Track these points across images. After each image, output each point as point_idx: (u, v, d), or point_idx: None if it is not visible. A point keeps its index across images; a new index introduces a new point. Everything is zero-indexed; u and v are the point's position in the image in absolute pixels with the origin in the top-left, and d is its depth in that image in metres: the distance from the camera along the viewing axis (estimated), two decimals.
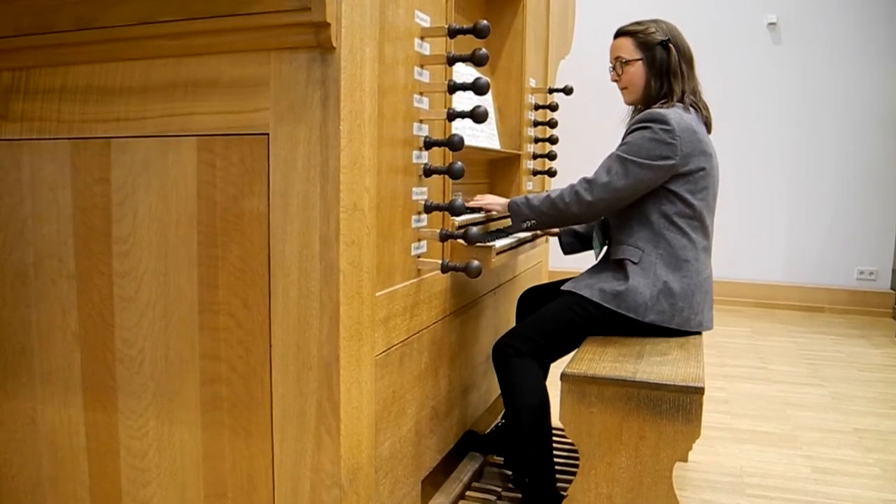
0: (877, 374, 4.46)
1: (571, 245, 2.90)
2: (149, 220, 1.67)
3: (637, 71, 2.49)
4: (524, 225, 2.46)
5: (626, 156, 2.30)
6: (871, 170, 6.25)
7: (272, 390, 1.59)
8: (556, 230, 2.88)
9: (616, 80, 2.57)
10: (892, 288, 6.13)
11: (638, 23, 2.52)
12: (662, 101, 2.43)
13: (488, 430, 3.00)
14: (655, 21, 2.50)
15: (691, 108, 2.42)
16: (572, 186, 2.37)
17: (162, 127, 1.64)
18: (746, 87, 6.47)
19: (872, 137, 6.23)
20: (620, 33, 2.54)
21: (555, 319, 2.41)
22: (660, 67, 2.46)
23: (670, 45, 2.44)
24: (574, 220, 2.47)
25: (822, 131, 6.35)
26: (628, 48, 2.50)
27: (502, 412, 3.05)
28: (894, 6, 6.07)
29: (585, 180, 2.36)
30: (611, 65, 2.56)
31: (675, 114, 2.32)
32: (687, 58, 2.49)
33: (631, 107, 2.62)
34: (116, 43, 1.64)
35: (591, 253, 2.75)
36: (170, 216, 1.65)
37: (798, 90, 6.38)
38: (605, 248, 2.68)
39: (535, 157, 3.35)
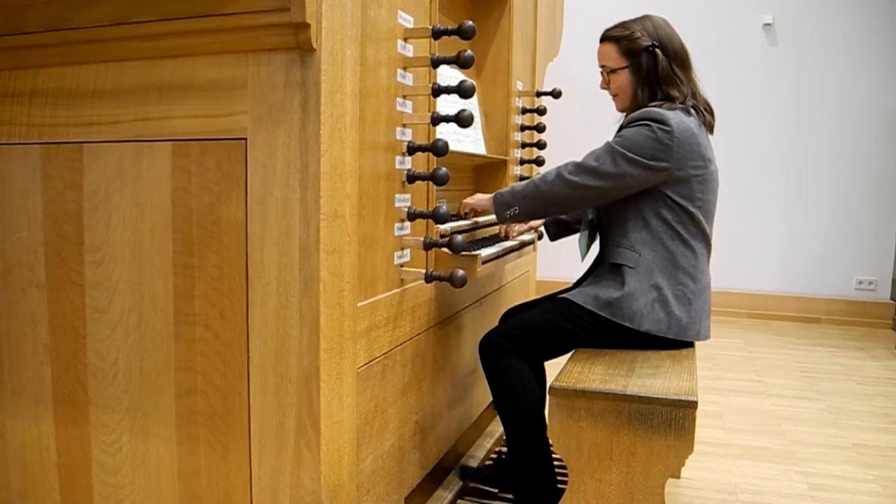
0: (876, 388, 4.50)
1: (558, 232, 2.93)
2: (122, 227, 1.68)
3: (624, 79, 2.49)
4: (507, 214, 2.46)
5: (618, 147, 2.30)
6: (869, 175, 6.30)
7: (250, 403, 1.60)
8: (541, 220, 2.90)
9: (606, 88, 2.58)
10: (891, 298, 6.19)
11: (623, 26, 2.49)
12: (663, 102, 2.40)
13: (486, 462, 3.00)
14: (642, 21, 2.47)
15: (692, 111, 2.41)
16: (557, 168, 2.39)
17: (136, 131, 1.66)
18: (741, 89, 6.51)
19: (872, 141, 6.28)
20: (605, 38, 2.53)
21: (545, 324, 2.42)
22: (647, 75, 2.45)
23: (656, 51, 2.42)
24: (556, 204, 2.43)
25: (819, 135, 6.41)
26: (613, 56, 2.49)
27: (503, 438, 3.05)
28: (893, 6, 6.13)
29: (572, 163, 2.37)
30: (600, 68, 2.56)
31: (677, 116, 2.32)
32: (680, 59, 2.46)
33: (624, 112, 2.60)
34: (88, 44, 1.66)
35: (581, 261, 2.76)
36: (144, 224, 1.66)
37: (794, 93, 6.44)
38: (591, 251, 2.68)
39: (522, 162, 3.38)
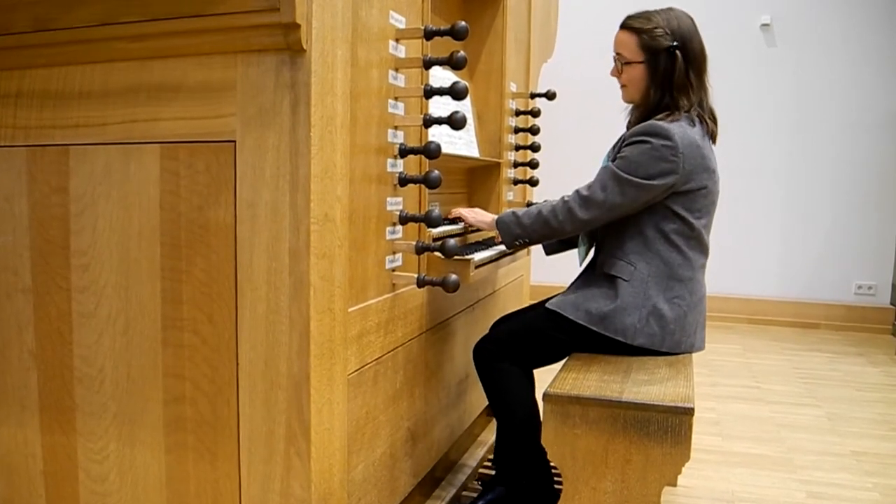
0: (875, 394, 4.52)
1: (553, 246, 2.86)
2: (109, 231, 1.69)
3: (638, 74, 2.42)
4: (516, 243, 2.46)
5: (622, 173, 2.26)
6: (869, 177, 6.31)
7: (239, 410, 1.61)
8: None
9: (616, 76, 2.51)
10: (891, 303, 6.19)
11: (647, 17, 2.39)
12: (667, 114, 2.35)
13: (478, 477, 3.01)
14: (667, 15, 2.39)
15: (696, 120, 2.36)
16: (565, 203, 2.35)
17: (123, 133, 1.66)
18: (738, 91, 6.50)
19: (871, 143, 6.29)
20: (625, 27, 2.44)
21: (538, 332, 2.44)
22: (662, 77, 2.37)
23: (677, 53, 2.34)
24: (567, 236, 2.48)
25: (818, 137, 6.41)
26: (631, 47, 2.41)
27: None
28: (892, 6, 6.15)
29: (580, 196, 2.33)
30: (614, 54, 2.49)
31: (679, 128, 2.28)
32: (697, 64, 2.38)
33: (630, 104, 2.56)
34: (76, 45, 1.66)
35: (575, 265, 2.76)
36: (132, 227, 1.66)
37: (792, 94, 6.44)
38: (589, 255, 2.66)
39: (515, 165, 3.38)
